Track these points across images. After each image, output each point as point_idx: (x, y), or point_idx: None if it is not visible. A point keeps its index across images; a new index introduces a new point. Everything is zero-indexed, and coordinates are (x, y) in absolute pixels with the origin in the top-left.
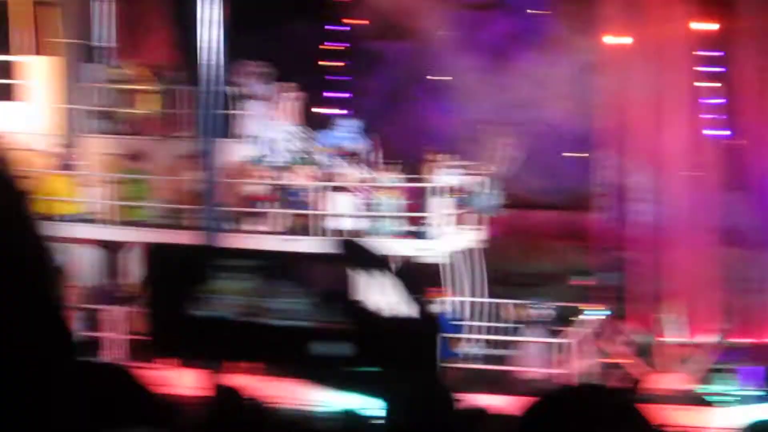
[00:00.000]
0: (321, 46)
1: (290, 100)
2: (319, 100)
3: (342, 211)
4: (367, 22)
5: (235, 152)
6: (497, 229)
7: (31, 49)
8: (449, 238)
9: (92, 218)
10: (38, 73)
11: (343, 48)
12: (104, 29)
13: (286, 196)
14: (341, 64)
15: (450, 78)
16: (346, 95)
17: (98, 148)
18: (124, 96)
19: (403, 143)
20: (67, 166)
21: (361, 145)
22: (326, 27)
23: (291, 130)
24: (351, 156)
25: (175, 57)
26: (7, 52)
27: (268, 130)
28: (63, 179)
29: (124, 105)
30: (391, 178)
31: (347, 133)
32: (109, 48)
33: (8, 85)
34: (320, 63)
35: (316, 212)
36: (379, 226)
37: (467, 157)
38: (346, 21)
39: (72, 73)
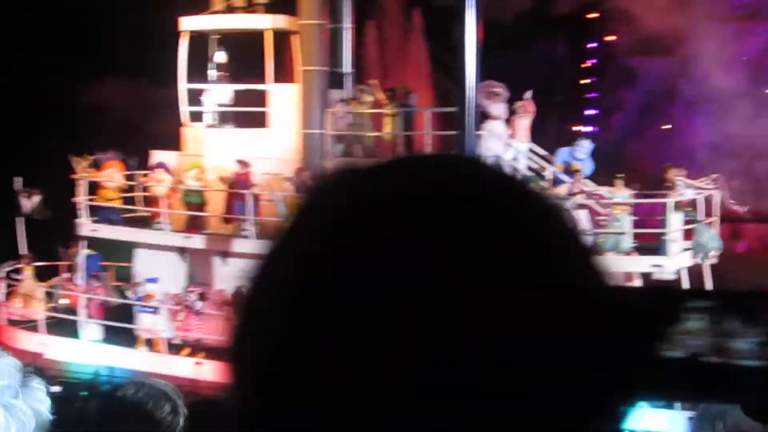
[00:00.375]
0: (575, 64)
1: (525, 118)
2: (571, 116)
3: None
4: (619, 38)
5: None
6: (751, 243)
7: (279, 77)
8: (684, 254)
9: None
10: (282, 100)
11: (594, 65)
12: (346, 55)
13: None
14: (590, 81)
15: (707, 92)
16: (597, 112)
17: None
18: (365, 119)
19: (653, 158)
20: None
21: (591, 162)
22: (576, 45)
23: (525, 148)
24: (584, 173)
25: (422, 79)
26: (262, 80)
27: (504, 149)
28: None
29: (365, 128)
30: (625, 194)
31: (582, 150)
32: (350, 73)
33: (263, 113)
34: (573, 80)
35: None
36: (615, 242)
37: (712, 172)
38: (598, 38)
39: (314, 98)
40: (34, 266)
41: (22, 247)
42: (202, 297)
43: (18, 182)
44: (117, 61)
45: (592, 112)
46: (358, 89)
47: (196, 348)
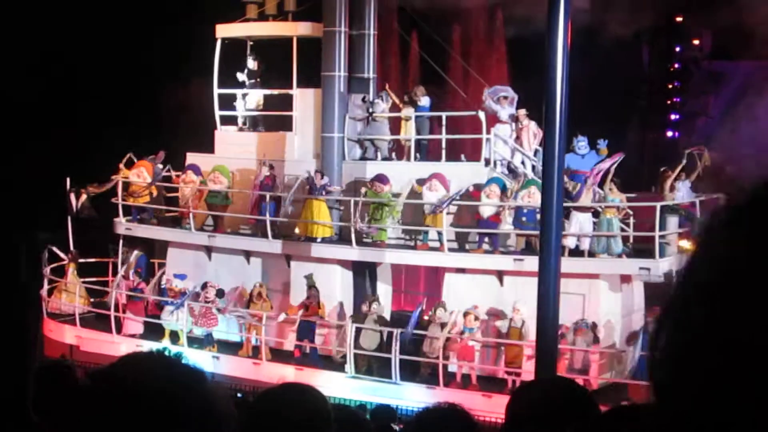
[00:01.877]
0: (660, 68)
1: (532, 122)
2: (654, 121)
3: (573, 231)
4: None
5: (479, 174)
6: None
7: (300, 82)
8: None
9: (342, 239)
10: (302, 105)
11: (679, 69)
12: (366, 61)
13: (520, 216)
14: (675, 85)
15: None
16: (680, 117)
17: (352, 174)
18: (381, 123)
19: (736, 164)
20: (321, 192)
21: (600, 165)
22: (661, 49)
23: (531, 152)
24: (587, 176)
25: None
26: (290, 86)
27: (512, 152)
28: (318, 204)
29: (382, 132)
30: (617, 197)
31: (580, 147)
32: (373, 78)
33: (289, 117)
34: (658, 85)
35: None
36: (608, 245)
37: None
38: (684, 41)
39: (333, 103)
40: (77, 263)
41: (69, 245)
42: (220, 294)
43: (67, 182)
44: (184, 63)
45: (675, 116)
46: (376, 95)
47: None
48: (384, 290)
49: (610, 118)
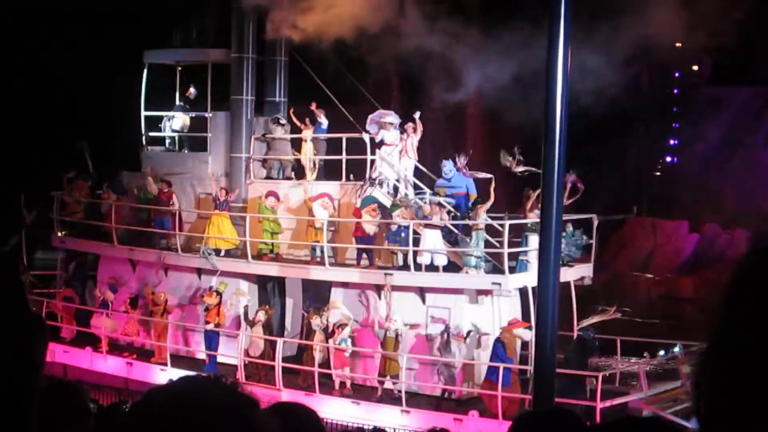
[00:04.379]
0: (659, 93)
1: (413, 138)
2: (653, 146)
3: (435, 247)
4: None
5: (358, 193)
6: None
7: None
8: (525, 274)
9: (241, 253)
10: (215, 127)
11: (677, 95)
12: (277, 85)
13: (392, 233)
14: (673, 111)
15: None
16: (677, 142)
17: (255, 192)
18: (283, 145)
19: (734, 189)
20: (226, 208)
21: (462, 177)
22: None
23: (412, 165)
24: (453, 196)
25: None
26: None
27: (390, 172)
28: (221, 219)
29: (284, 153)
30: (482, 216)
31: (446, 171)
32: (279, 102)
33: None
34: (657, 109)
35: (413, 248)
36: (468, 260)
37: None
38: (683, 67)
39: (241, 125)
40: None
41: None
42: (134, 302)
43: (21, 198)
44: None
45: (673, 142)
46: (281, 117)
47: (130, 349)
48: (292, 303)
49: (610, 142)
